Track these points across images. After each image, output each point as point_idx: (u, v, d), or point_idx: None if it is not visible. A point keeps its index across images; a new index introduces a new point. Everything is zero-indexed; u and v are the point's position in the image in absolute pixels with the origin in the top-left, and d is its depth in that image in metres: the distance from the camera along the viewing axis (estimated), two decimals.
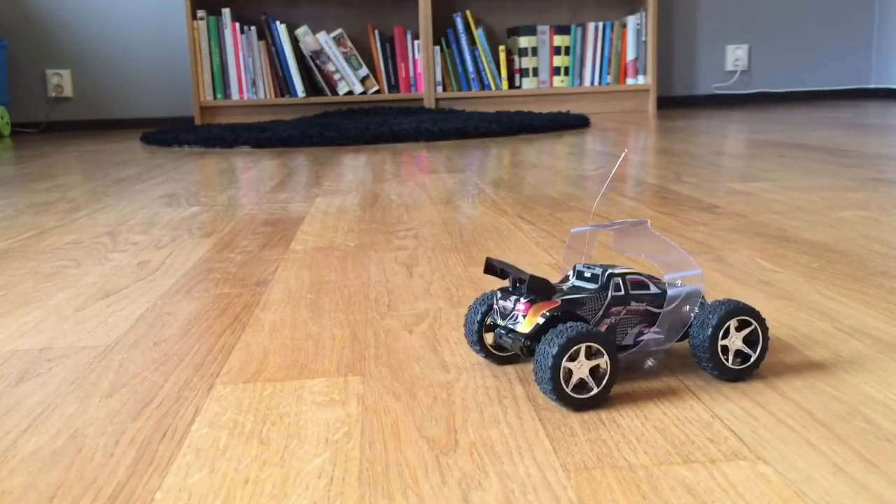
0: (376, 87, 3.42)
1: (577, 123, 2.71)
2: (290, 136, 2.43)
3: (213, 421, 0.47)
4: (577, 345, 0.45)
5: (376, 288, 0.74)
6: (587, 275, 0.51)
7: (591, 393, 0.46)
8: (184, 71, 3.56)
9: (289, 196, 1.37)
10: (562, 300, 0.49)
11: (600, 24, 3.49)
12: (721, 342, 0.48)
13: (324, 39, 3.37)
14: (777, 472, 0.38)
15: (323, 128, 2.55)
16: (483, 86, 3.44)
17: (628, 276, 0.51)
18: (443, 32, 3.51)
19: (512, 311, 0.50)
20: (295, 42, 3.37)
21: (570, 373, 0.45)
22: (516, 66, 3.48)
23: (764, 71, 3.82)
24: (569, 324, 0.46)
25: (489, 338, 0.54)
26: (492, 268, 0.52)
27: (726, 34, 3.78)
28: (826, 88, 3.86)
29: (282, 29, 3.31)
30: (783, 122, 2.57)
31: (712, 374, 0.49)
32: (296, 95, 3.34)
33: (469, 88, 3.44)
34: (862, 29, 3.82)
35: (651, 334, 0.51)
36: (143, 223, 1.15)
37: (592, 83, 3.52)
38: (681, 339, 0.51)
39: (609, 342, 0.46)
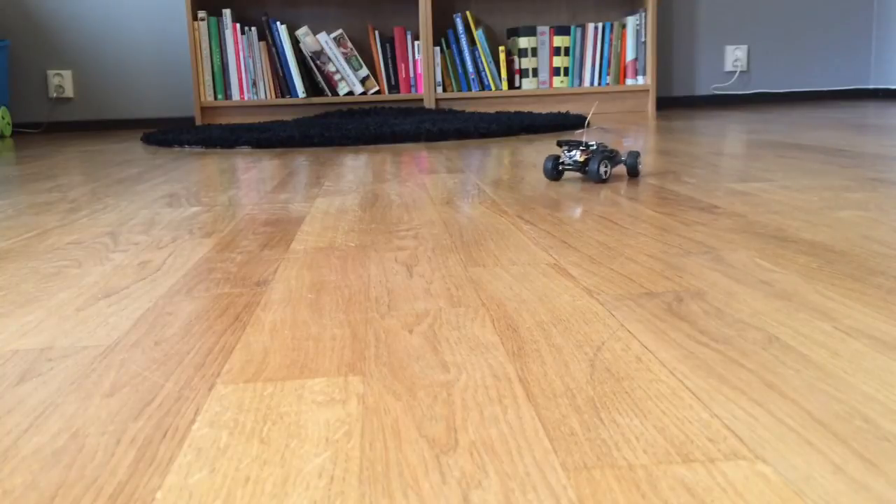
0: (376, 88, 3.42)
1: (577, 124, 2.71)
2: (291, 136, 2.43)
3: (214, 420, 0.47)
4: (603, 159, 1.35)
5: (376, 288, 0.75)
6: (591, 145, 1.38)
7: (609, 174, 1.37)
8: (184, 71, 3.57)
9: (289, 196, 1.37)
10: (591, 150, 1.37)
11: (600, 25, 3.49)
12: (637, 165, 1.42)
13: (324, 40, 3.38)
14: (776, 471, 0.38)
15: (323, 128, 2.55)
16: (483, 86, 3.44)
17: (601, 144, 1.39)
18: (443, 33, 3.51)
19: (573, 154, 1.37)
20: (295, 43, 3.37)
21: (601, 170, 1.34)
22: (516, 66, 3.49)
23: (763, 71, 3.82)
24: (599, 153, 1.36)
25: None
26: (560, 143, 1.39)
27: (725, 35, 3.78)
28: (825, 89, 3.86)
29: (282, 30, 3.31)
30: (782, 123, 2.58)
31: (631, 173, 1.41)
32: (296, 96, 3.35)
33: (469, 89, 3.44)
34: (861, 29, 3.82)
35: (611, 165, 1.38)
36: (143, 223, 1.15)
37: (592, 83, 3.52)
38: (616, 165, 1.40)
39: (613, 159, 1.38)
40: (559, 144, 1.38)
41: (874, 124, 2.37)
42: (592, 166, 1.33)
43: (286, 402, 0.49)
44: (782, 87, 3.84)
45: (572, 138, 1.42)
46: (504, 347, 0.57)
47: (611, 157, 1.36)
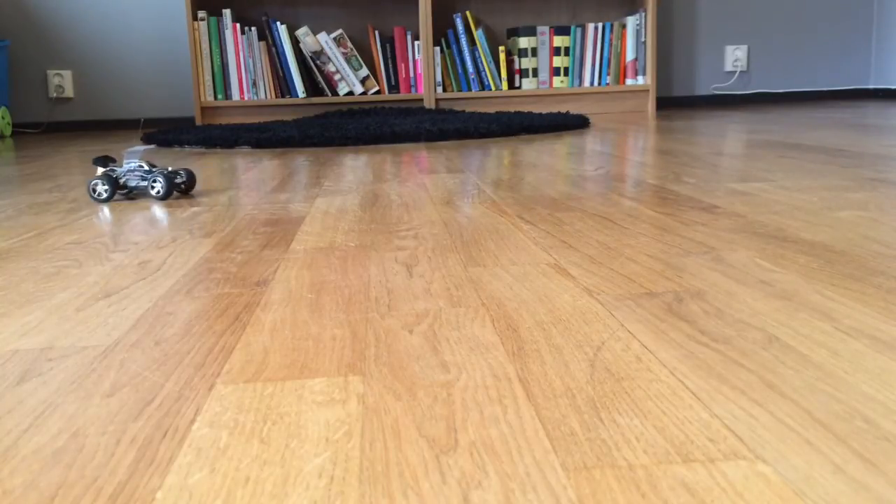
0: (376, 88, 3.42)
1: (577, 124, 2.71)
2: (291, 136, 2.43)
3: (214, 420, 0.47)
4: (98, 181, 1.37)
5: (376, 288, 0.75)
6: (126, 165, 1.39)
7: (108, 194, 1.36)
8: (185, 71, 3.57)
9: (289, 196, 1.37)
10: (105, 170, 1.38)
11: (600, 25, 3.49)
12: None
13: (324, 40, 3.38)
14: (776, 471, 0.38)
15: (323, 128, 2.55)
16: (483, 86, 3.44)
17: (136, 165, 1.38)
18: (443, 33, 3.51)
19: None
20: (295, 43, 3.37)
21: (94, 189, 1.36)
22: (516, 66, 3.49)
23: (763, 71, 3.82)
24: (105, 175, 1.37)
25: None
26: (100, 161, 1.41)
27: (725, 35, 3.78)
28: (825, 89, 3.86)
29: (282, 30, 3.31)
30: (782, 123, 2.58)
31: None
32: (296, 96, 3.35)
33: (469, 89, 3.44)
34: (861, 29, 3.83)
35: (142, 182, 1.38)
36: (143, 223, 1.15)
37: (592, 84, 3.52)
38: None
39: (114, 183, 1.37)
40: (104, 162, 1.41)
41: (874, 124, 2.37)
42: (91, 185, 1.37)
43: (286, 402, 0.49)
44: (782, 87, 3.84)
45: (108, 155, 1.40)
46: (504, 347, 0.57)
47: (114, 176, 1.37)
